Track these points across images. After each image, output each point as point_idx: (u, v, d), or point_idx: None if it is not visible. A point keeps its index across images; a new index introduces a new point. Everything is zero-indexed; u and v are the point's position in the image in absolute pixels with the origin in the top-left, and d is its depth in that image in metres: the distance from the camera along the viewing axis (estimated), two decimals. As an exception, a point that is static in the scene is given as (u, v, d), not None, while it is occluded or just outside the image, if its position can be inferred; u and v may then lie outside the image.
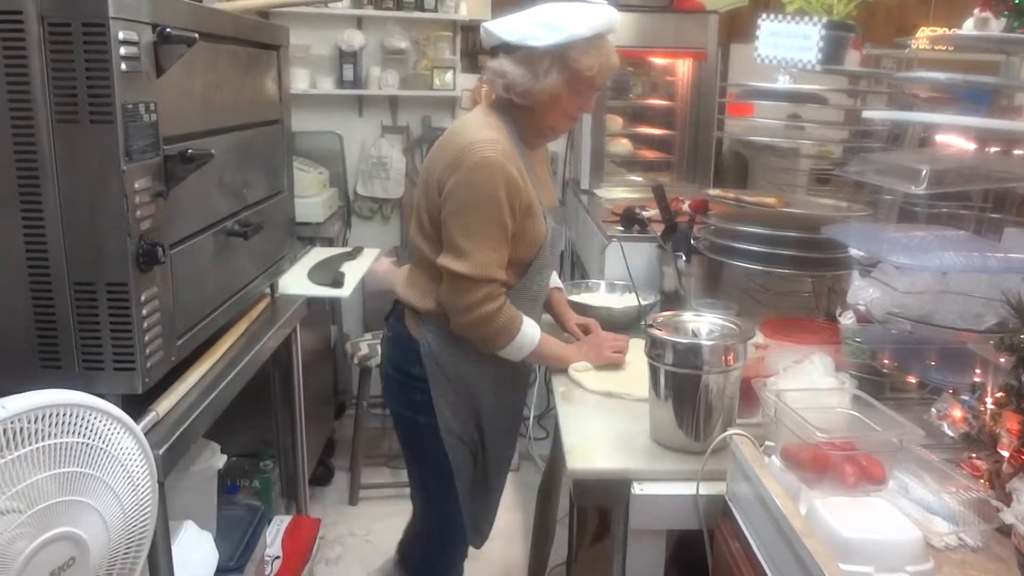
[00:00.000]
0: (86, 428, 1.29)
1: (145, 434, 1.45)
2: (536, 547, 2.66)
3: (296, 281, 2.89)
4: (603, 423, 1.72)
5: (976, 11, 1.59)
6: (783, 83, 2.29)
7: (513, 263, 1.89)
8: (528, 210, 1.86)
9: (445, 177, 1.81)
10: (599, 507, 2.21)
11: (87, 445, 1.29)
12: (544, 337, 1.95)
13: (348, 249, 3.49)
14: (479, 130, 1.84)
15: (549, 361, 2.02)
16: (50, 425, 1.24)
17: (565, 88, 1.84)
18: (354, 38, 3.83)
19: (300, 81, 3.75)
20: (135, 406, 1.54)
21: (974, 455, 1.38)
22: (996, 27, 1.58)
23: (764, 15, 2.16)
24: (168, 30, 1.51)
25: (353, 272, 3.13)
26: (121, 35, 1.40)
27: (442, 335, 1.93)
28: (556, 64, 1.81)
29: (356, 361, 3.41)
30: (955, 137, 1.99)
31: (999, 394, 1.34)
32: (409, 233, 2.07)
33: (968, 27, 1.61)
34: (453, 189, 1.80)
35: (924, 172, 1.56)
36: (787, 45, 2.08)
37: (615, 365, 2.01)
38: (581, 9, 1.80)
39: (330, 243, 3.67)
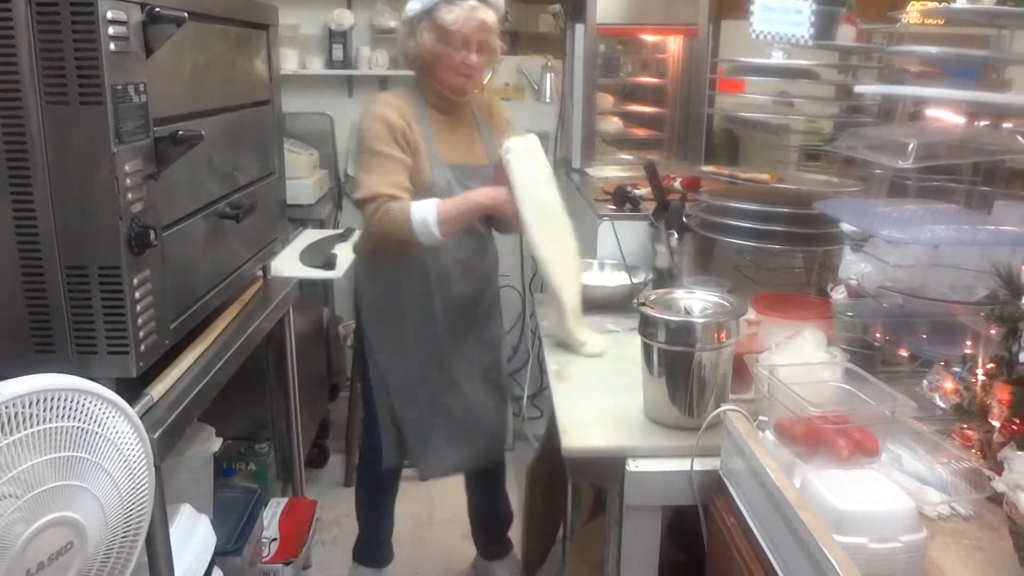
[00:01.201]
0: (81, 412, 1.29)
1: (140, 418, 1.45)
2: (529, 527, 2.67)
3: (288, 263, 2.89)
4: (597, 401, 1.73)
5: (968, -15, 1.59)
6: (775, 59, 2.29)
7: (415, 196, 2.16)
8: (415, 152, 2.19)
9: (358, 131, 2.26)
10: (594, 484, 2.22)
11: (82, 429, 1.29)
12: (441, 201, 2.12)
13: (340, 231, 3.49)
14: (379, 97, 2.30)
15: (463, 213, 2.14)
16: (45, 410, 1.24)
17: (439, 45, 2.16)
18: (344, 17, 3.80)
19: (289, 61, 3.72)
20: (130, 390, 1.53)
21: (965, 426, 1.39)
22: (988, 0, 1.58)
23: None
24: (157, 9, 1.50)
25: (345, 253, 3.12)
26: (109, 14, 1.39)
27: (366, 271, 2.40)
28: (427, 25, 2.16)
29: (349, 343, 3.42)
30: (945, 111, 2.00)
31: (990, 365, 1.35)
32: None
33: (961, 1, 1.61)
34: (359, 129, 2.25)
35: (912, 146, 1.56)
36: (780, 20, 2.07)
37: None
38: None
39: (321, 225, 3.66)
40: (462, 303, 2.39)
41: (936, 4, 2.07)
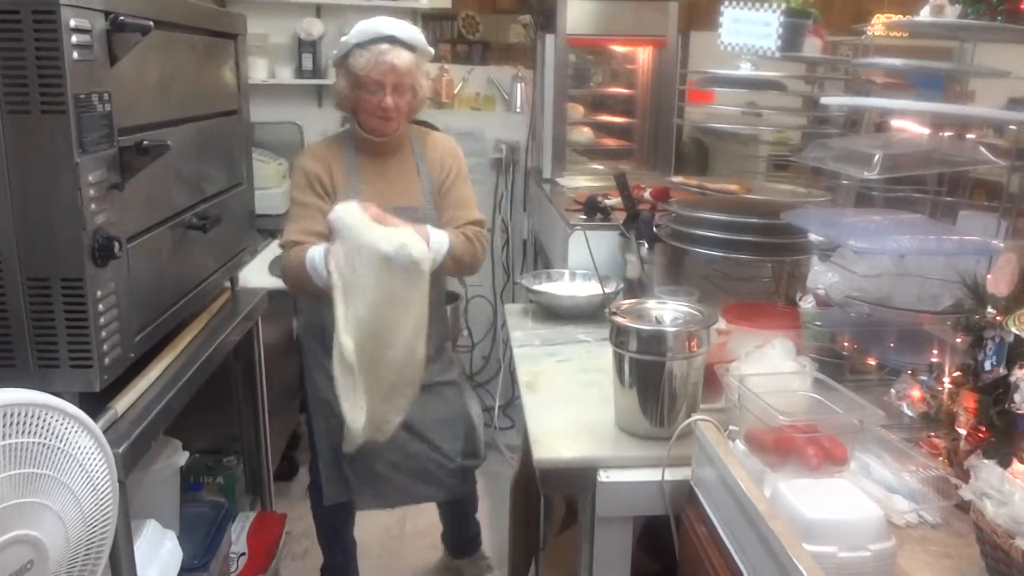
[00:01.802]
0: (42, 428, 1.26)
1: (104, 432, 1.43)
2: (515, 537, 2.67)
3: (257, 274, 2.85)
4: (568, 412, 1.72)
5: (931, -1, 1.62)
6: (743, 70, 2.31)
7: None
8: (336, 197, 2.21)
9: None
10: (566, 496, 2.21)
11: (44, 445, 1.26)
12: (331, 244, 2.13)
13: (309, 241, 3.45)
14: (306, 147, 2.52)
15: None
16: (5, 425, 1.21)
17: (354, 89, 2.21)
18: (313, 27, 3.78)
19: (258, 71, 3.69)
20: (93, 404, 1.50)
21: (932, 434, 1.40)
22: (951, 14, 1.60)
23: (727, 1, 2.17)
24: (121, 18, 1.48)
25: (315, 264, 3.10)
26: (73, 22, 1.36)
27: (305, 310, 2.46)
28: (343, 71, 2.23)
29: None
30: (910, 122, 2.02)
31: (956, 373, 1.37)
32: None
33: (924, 14, 1.63)
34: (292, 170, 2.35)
35: (877, 157, 1.58)
36: (748, 32, 2.09)
37: None
38: (360, 24, 2.19)
39: (291, 235, 3.62)
40: None
41: (900, 17, 2.11)
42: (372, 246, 2.04)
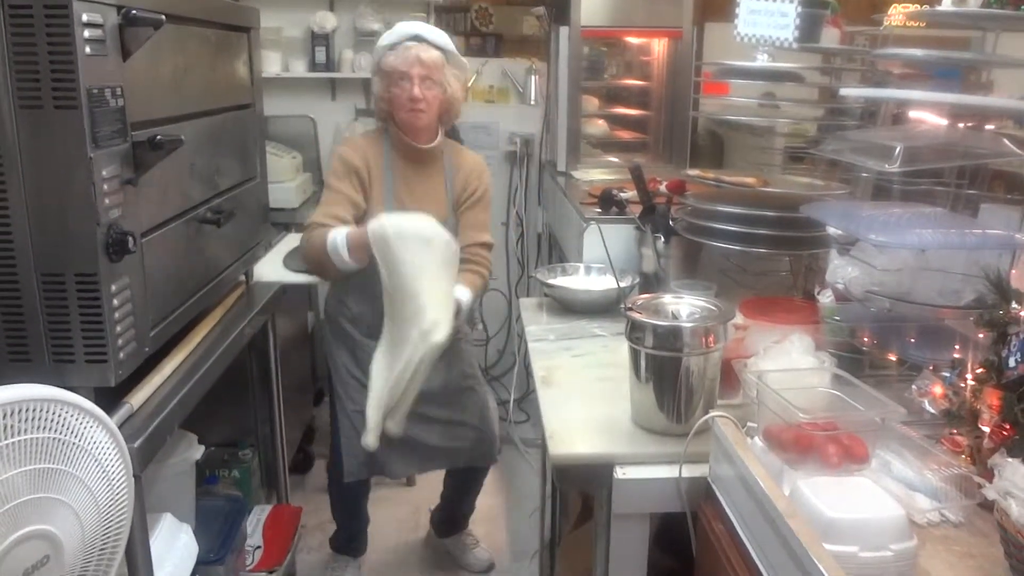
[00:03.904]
0: (58, 423, 1.26)
1: (119, 427, 1.43)
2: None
3: (272, 268, 2.85)
4: (584, 407, 1.71)
5: (955, -14, 1.59)
6: (760, 62, 2.28)
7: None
8: (369, 195, 2.36)
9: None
10: (582, 491, 2.20)
11: (59, 440, 1.26)
12: (353, 229, 2.23)
13: (323, 234, 3.45)
14: (348, 137, 2.50)
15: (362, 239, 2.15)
16: (20, 421, 1.21)
17: (388, 89, 2.34)
18: (326, 20, 3.77)
19: (272, 64, 3.69)
20: (108, 398, 1.51)
21: (955, 431, 1.38)
22: (974, 3, 1.57)
23: None
24: (133, 12, 1.47)
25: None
26: (85, 17, 1.36)
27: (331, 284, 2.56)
28: (378, 76, 2.38)
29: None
30: (928, 112, 1.99)
31: (979, 370, 1.34)
32: None
33: (947, 3, 1.60)
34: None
35: (898, 150, 1.55)
36: (765, 23, 2.07)
37: None
38: (390, 30, 2.40)
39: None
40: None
41: (919, 7, 2.08)
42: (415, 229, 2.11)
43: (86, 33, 1.36)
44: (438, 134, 2.43)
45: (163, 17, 1.53)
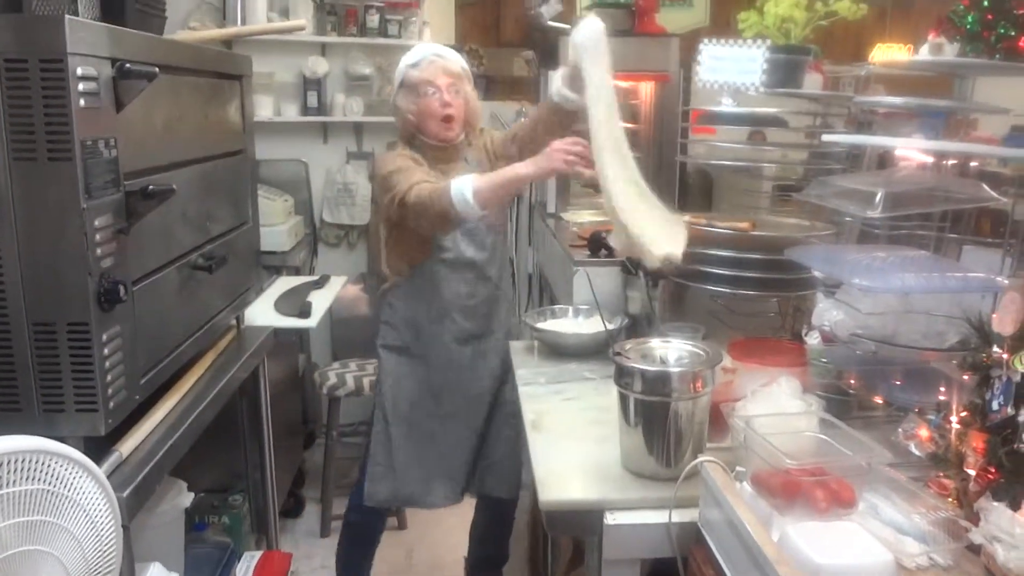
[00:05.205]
0: (47, 474, 1.26)
1: (108, 476, 1.43)
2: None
3: (263, 312, 2.86)
4: (574, 452, 1.71)
5: (930, 37, 1.62)
6: (726, 106, 2.32)
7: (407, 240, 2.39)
8: None
9: (376, 175, 2.43)
10: (572, 536, 2.19)
11: (49, 492, 1.26)
12: (478, 175, 2.18)
13: (315, 278, 3.47)
14: (393, 151, 2.49)
15: (502, 184, 2.14)
16: (9, 472, 1.21)
17: (416, 101, 2.37)
18: (318, 65, 3.82)
19: (264, 108, 3.73)
20: (98, 446, 1.51)
21: (941, 474, 1.39)
22: (950, 51, 1.61)
23: (705, 40, 2.20)
24: (128, 65, 1.50)
25: (320, 301, 3.11)
26: (79, 71, 1.38)
27: (396, 300, 2.50)
28: (403, 92, 2.41)
29: (325, 391, 3.38)
30: (913, 151, 2.02)
31: (964, 413, 1.35)
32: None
33: (924, 52, 1.64)
34: (376, 173, 2.42)
35: (879, 196, 1.58)
36: (731, 69, 2.11)
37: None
38: (409, 52, 2.47)
39: (296, 271, 3.64)
40: (472, 336, 2.50)
41: (902, 46, 2.12)
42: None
43: (80, 86, 1.38)
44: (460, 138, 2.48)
45: (156, 70, 1.55)
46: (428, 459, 2.51)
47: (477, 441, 2.55)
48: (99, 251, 1.45)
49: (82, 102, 1.39)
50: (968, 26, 1.59)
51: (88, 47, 1.41)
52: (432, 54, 2.41)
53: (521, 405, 2.00)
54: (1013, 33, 1.56)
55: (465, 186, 2.11)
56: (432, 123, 2.37)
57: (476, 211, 2.13)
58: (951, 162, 1.92)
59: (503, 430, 2.56)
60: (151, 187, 1.58)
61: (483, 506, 2.78)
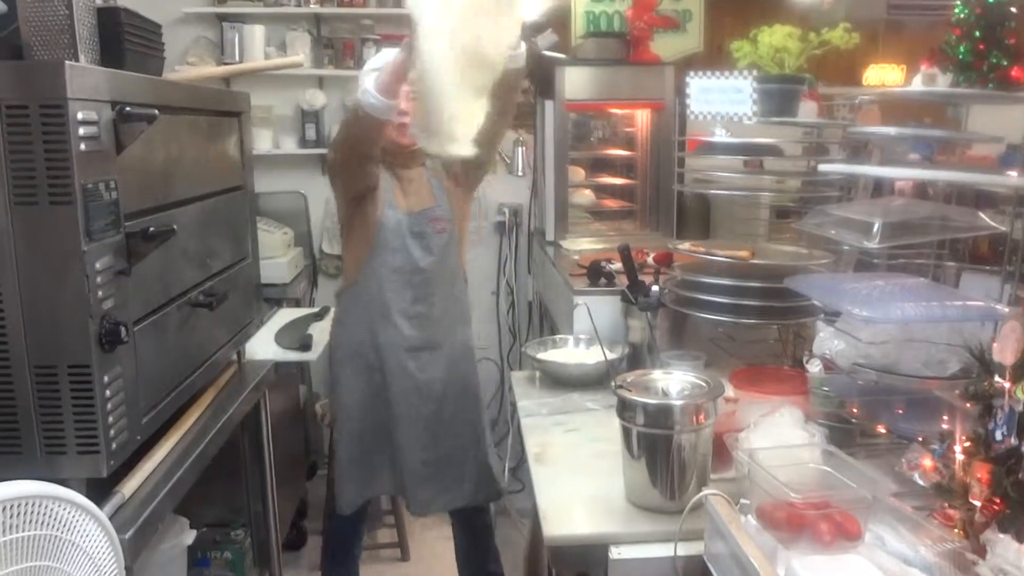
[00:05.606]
0: (50, 519, 1.26)
1: (111, 517, 1.42)
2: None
3: (264, 344, 2.86)
4: (578, 485, 1.70)
5: (923, 67, 1.64)
6: (718, 136, 2.34)
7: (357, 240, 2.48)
8: (373, 191, 2.45)
9: None
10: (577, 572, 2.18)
11: (51, 537, 1.25)
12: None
13: (315, 309, 3.47)
14: None
15: (386, 69, 2.08)
16: (13, 517, 1.21)
17: None
18: (316, 98, 3.84)
19: (263, 142, 3.75)
20: (100, 487, 1.50)
21: (947, 504, 1.38)
22: (943, 82, 1.63)
23: (691, 73, 2.22)
24: (128, 108, 1.51)
25: (321, 333, 3.10)
26: (80, 115, 1.39)
27: (348, 300, 2.57)
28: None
29: (327, 422, 3.36)
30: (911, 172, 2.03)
31: (967, 443, 1.35)
32: None
33: (917, 83, 1.66)
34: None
35: (877, 226, 1.59)
36: (720, 100, 2.13)
37: None
38: (375, 56, 2.51)
39: (297, 303, 3.64)
40: (417, 348, 2.54)
41: (895, 66, 2.14)
42: None
43: (81, 131, 1.39)
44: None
45: (156, 111, 1.56)
46: (382, 453, 2.59)
47: (426, 455, 2.60)
48: (100, 293, 1.46)
49: (83, 146, 1.40)
50: (960, 56, 1.61)
51: (88, 92, 1.42)
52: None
53: (524, 437, 2.00)
54: (1005, 63, 1.57)
55: (367, 86, 2.15)
56: (389, 128, 2.37)
57: (382, 100, 2.11)
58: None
59: (450, 451, 2.62)
60: (152, 228, 1.59)
61: (456, 525, 2.85)
